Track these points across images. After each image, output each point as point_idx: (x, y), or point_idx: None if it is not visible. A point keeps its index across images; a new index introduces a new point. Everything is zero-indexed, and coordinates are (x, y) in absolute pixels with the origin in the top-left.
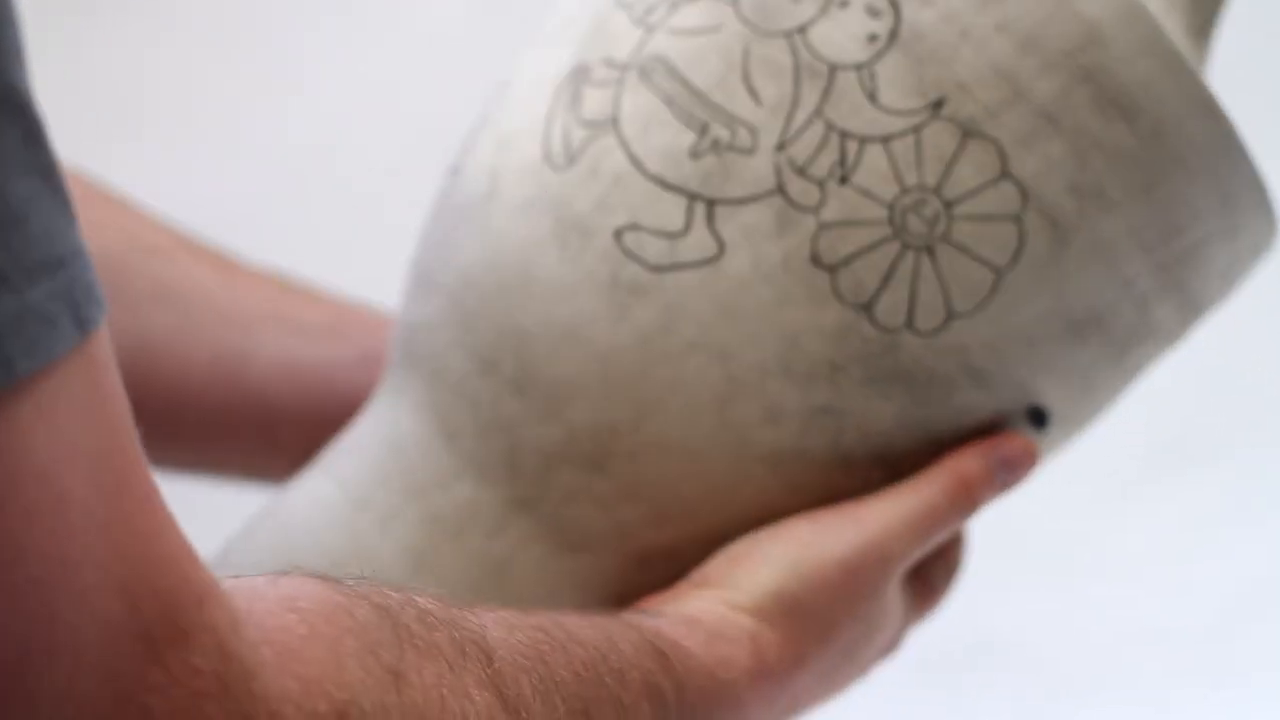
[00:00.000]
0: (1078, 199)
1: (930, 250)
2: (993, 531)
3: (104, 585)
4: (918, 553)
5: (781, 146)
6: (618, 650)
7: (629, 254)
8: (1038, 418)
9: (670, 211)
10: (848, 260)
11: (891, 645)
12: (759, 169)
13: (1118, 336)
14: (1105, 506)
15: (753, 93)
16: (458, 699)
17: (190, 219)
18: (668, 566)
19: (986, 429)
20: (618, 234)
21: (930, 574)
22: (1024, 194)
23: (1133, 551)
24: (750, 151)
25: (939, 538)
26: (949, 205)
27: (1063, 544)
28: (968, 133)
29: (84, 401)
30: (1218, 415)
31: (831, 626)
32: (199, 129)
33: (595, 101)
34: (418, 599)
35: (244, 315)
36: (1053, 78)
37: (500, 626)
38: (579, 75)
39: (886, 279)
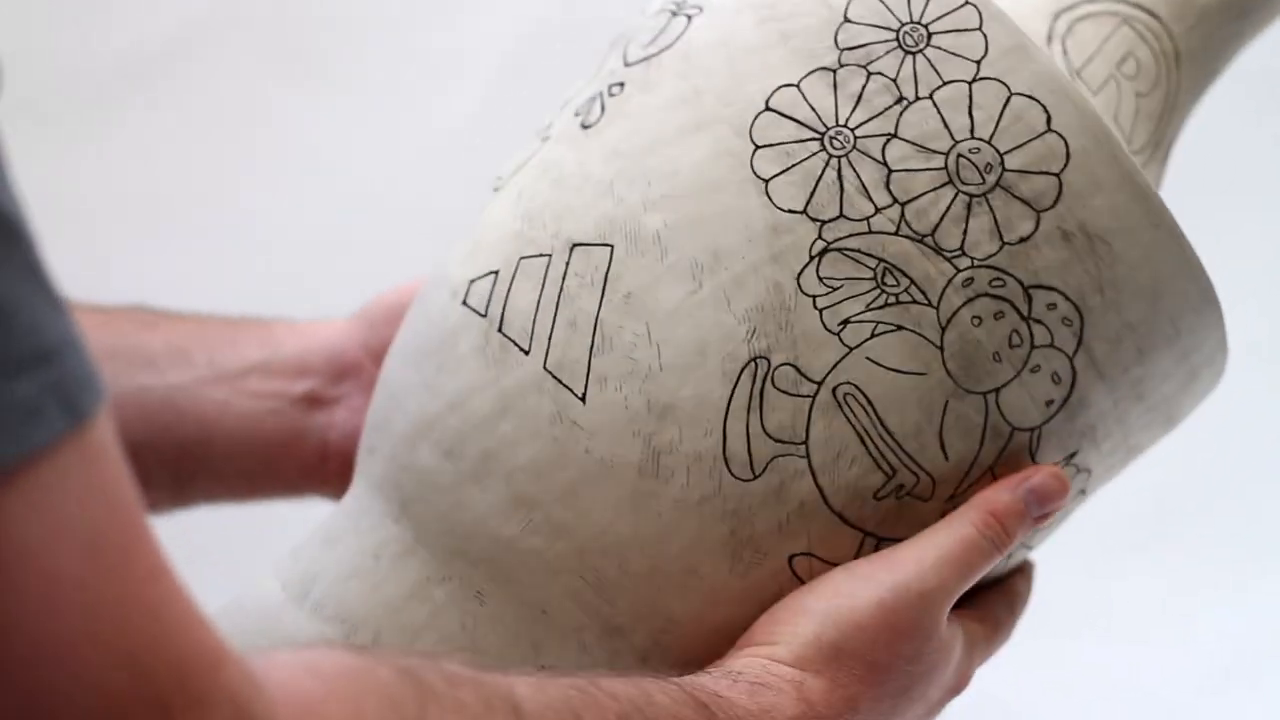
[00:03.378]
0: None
1: None
2: None
3: (106, 660)
4: (958, 588)
5: (952, 498)
6: (654, 703)
7: (797, 577)
8: None
9: (844, 544)
10: None
11: (960, 682)
12: (928, 516)
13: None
14: (1101, 567)
15: (944, 448)
16: None
17: (198, 308)
18: None
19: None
20: (791, 559)
21: (993, 608)
22: None
23: (1128, 611)
24: (926, 499)
25: (978, 572)
26: None
27: (1059, 604)
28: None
29: (77, 485)
30: (1213, 477)
31: (876, 668)
32: (208, 223)
33: (782, 414)
34: (442, 661)
35: None
36: None
37: (528, 685)
38: (761, 370)
39: None
